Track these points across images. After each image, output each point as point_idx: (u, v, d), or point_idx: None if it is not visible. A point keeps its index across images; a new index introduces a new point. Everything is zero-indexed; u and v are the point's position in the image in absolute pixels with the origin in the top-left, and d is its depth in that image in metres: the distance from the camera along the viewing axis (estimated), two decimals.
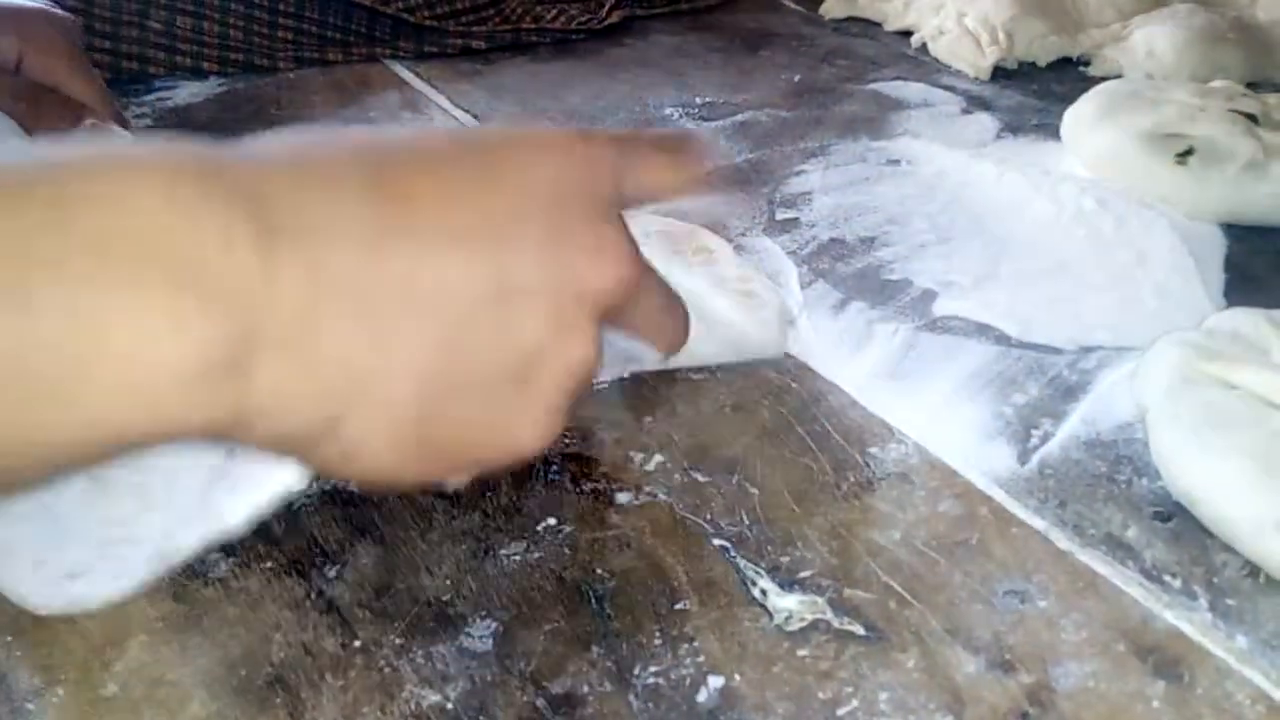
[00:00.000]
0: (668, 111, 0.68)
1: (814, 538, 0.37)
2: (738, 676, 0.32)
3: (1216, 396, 0.39)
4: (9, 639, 0.33)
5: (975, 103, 0.69)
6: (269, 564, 0.36)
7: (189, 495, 0.34)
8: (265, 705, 0.31)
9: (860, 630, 0.33)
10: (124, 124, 0.52)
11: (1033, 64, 0.74)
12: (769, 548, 0.36)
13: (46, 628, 0.33)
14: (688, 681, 0.32)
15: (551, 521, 0.37)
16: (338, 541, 0.36)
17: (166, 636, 0.33)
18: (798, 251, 0.53)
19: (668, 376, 0.44)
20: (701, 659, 0.32)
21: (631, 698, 0.31)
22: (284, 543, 0.36)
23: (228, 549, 0.36)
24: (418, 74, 0.72)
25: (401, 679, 0.32)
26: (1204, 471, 0.37)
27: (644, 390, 0.43)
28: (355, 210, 0.24)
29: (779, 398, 0.43)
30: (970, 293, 0.49)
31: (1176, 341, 0.42)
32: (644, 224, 0.44)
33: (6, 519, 0.34)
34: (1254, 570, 0.35)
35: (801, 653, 0.33)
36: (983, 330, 0.47)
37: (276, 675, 0.32)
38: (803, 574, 0.35)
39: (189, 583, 0.35)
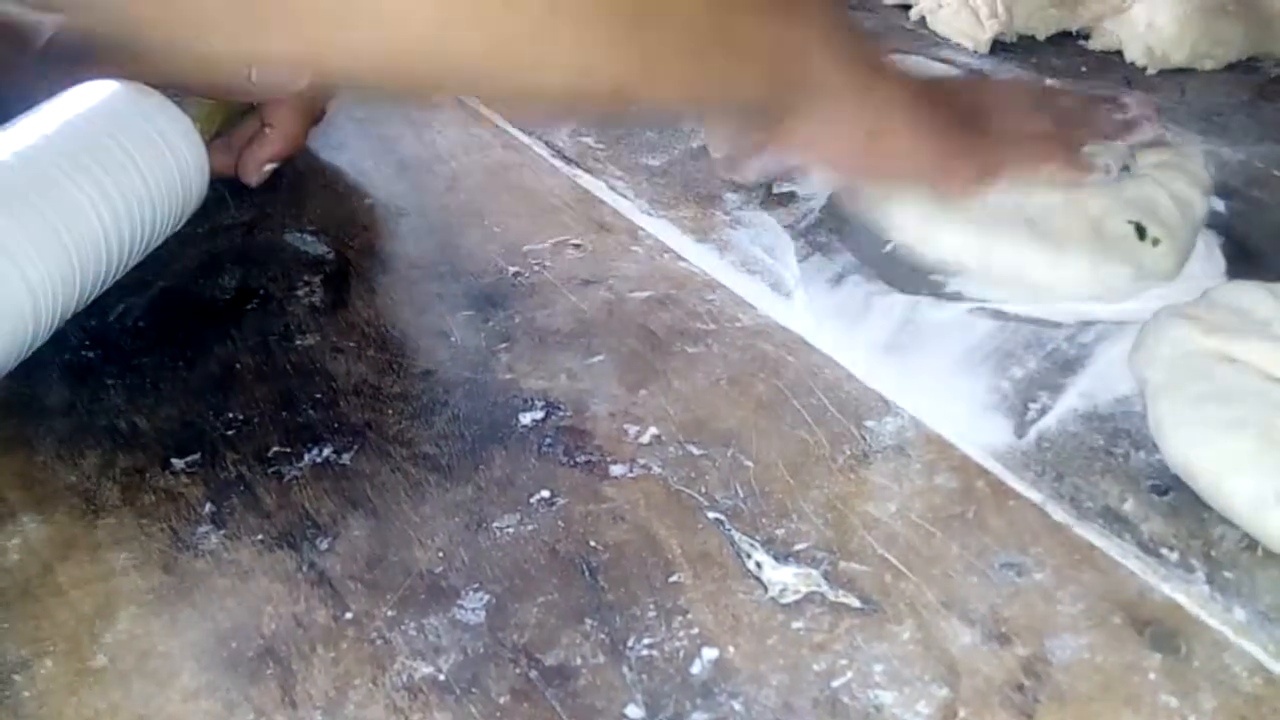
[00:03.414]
0: None
1: (809, 510, 0.36)
2: (732, 648, 0.32)
3: (1216, 369, 0.39)
4: None
5: (974, 76, 0.68)
6: (260, 536, 0.35)
7: None
8: (256, 677, 0.31)
9: (855, 602, 0.33)
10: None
11: (1032, 37, 0.73)
12: (764, 520, 0.36)
13: (35, 600, 0.33)
14: (681, 654, 0.32)
15: (545, 494, 0.37)
16: (329, 514, 0.36)
17: (156, 608, 0.33)
18: (794, 225, 0.52)
19: (663, 350, 0.44)
20: (695, 631, 0.32)
21: (625, 669, 0.31)
22: (275, 515, 0.36)
23: (218, 521, 0.36)
24: None
25: (393, 651, 0.32)
26: (1202, 444, 0.37)
27: (639, 363, 0.43)
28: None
29: (775, 371, 0.43)
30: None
31: (1176, 314, 0.41)
32: None
33: None
34: (1252, 543, 0.35)
35: (796, 625, 0.32)
36: (981, 303, 0.46)
37: (267, 647, 0.32)
38: (798, 546, 0.35)
39: (179, 555, 0.35)
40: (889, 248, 0.49)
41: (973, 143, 0.47)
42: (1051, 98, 0.53)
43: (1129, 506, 0.37)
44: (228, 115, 0.52)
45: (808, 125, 0.43)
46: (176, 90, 0.48)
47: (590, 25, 0.34)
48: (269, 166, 0.52)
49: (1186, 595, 0.33)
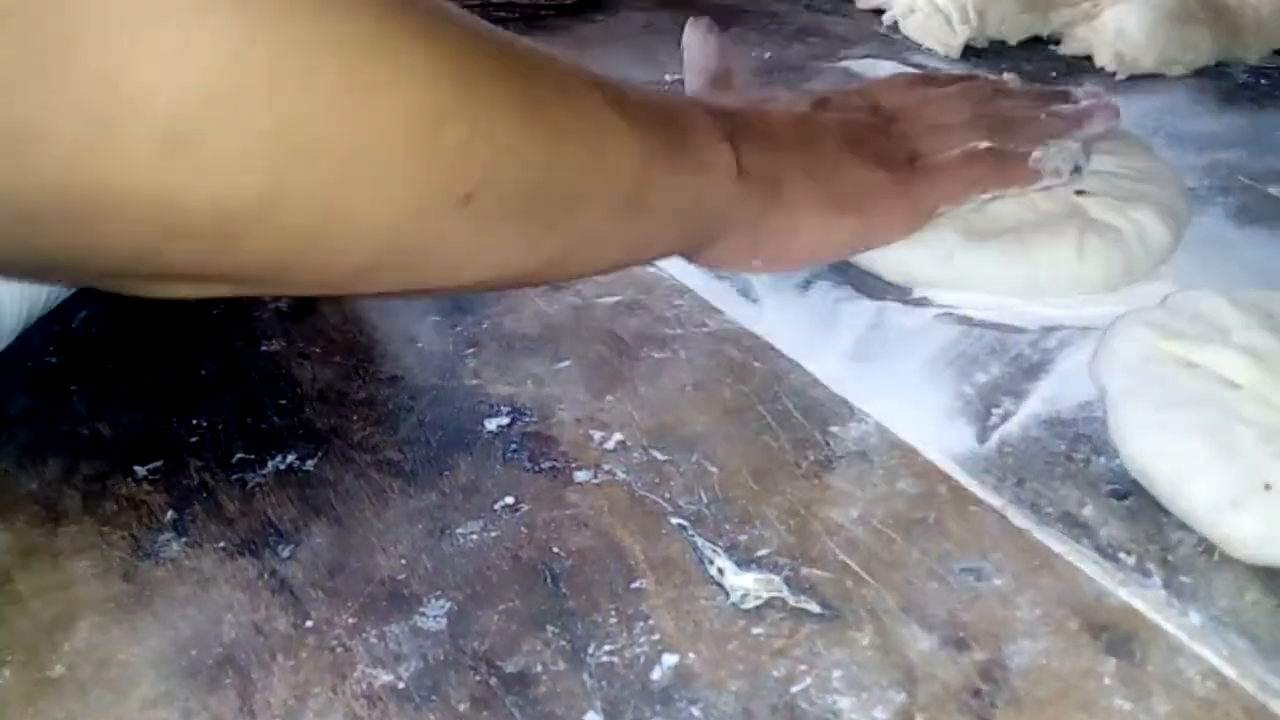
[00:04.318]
0: None
1: (772, 516, 0.36)
2: (692, 655, 0.32)
3: (1176, 375, 0.39)
4: None
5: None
6: (221, 544, 0.35)
7: None
8: (215, 686, 0.31)
9: (816, 608, 0.33)
10: None
11: (1003, 42, 0.74)
12: (727, 526, 0.36)
13: None
14: (642, 660, 0.32)
15: (509, 500, 0.37)
16: (291, 521, 0.36)
17: (116, 617, 0.33)
18: None
19: (629, 356, 0.44)
20: (656, 637, 0.32)
21: (585, 676, 0.31)
22: (237, 522, 0.36)
23: (179, 529, 0.36)
24: None
25: (354, 659, 0.32)
26: (1161, 449, 0.37)
27: (605, 369, 0.43)
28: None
29: (741, 377, 0.43)
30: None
31: (1137, 320, 0.42)
32: None
33: None
34: (1208, 548, 0.35)
35: (756, 631, 0.33)
36: (946, 309, 0.47)
37: (227, 655, 0.32)
38: (760, 552, 0.35)
39: (140, 563, 0.34)
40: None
41: (893, 188, 0.46)
42: (989, 101, 0.51)
43: (1088, 511, 0.37)
44: None
45: (727, 253, 0.44)
46: None
47: (510, 233, 0.34)
48: None
49: (1143, 600, 0.34)
